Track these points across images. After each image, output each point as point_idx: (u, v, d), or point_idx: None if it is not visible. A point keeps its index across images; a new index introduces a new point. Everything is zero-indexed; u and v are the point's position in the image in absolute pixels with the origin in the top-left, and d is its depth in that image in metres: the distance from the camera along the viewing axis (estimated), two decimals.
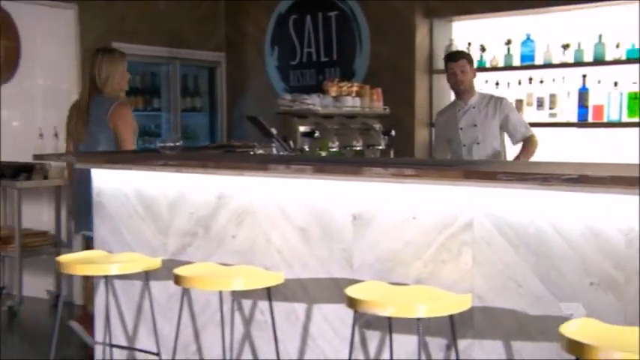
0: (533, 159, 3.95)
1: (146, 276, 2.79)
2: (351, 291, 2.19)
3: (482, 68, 4.79)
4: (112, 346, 3.02)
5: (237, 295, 2.76)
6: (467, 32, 5.08)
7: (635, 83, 4.40)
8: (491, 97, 4.10)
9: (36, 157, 3.28)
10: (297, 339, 2.66)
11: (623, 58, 4.48)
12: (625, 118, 4.46)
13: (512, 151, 4.07)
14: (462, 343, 2.28)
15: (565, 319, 2.01)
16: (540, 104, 4.75)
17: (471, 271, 2.29)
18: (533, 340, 2.18)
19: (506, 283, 2.23)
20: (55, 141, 4.81)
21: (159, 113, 5.82)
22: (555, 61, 4.72)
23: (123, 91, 3.77)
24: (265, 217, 2.72)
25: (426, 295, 2.21)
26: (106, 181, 3.13)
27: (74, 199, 3.79)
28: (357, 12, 5.34)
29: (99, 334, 3.11)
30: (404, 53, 5.10)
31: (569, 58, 4.67)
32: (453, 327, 2.19)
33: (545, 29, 4.78)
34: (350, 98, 4.21)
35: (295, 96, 4.02)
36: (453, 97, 5.28)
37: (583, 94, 4.61)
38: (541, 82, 4.78)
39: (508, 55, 4.90)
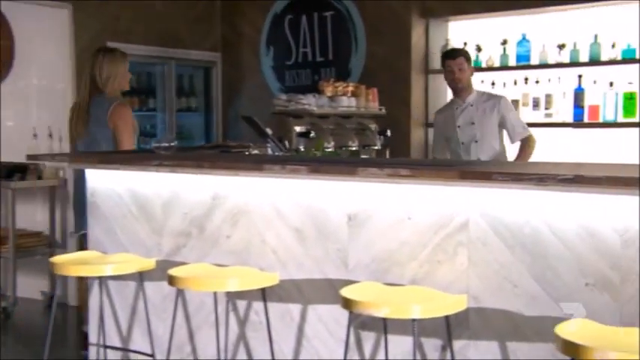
0: (530, 159, 3.95)
1: (140, 277, 2.77)
2: (346, 292, 2.19)
3: (478, 68, 4.77)
4: (105, 347, 3.00)
5: (232, 296, 2.75)
6: (463, 32, 5.08)
7: (630, 83, 4.40)
8: (490, 95, 4.08)
9: (29, 157, 3.26)
10: (292, 340, 2.65)
11: (619, 58, 4.48)
12: (620, 119, 4.46)
13: (511, 150, 4.06)
14: (457, 344, 2.27)
15: (561, 319, 2.01)
16: (536, 104, 4.75)
17: (467, 272, 2.29)
18: (529, 340, 2.17)
19: (502, 283, 2.22)
20: (49, 141, 4.79)
21: (154, 113, 5.80)
22: (551, 61, 4.72)
23: (120, 92, 3.76)
24: (260, 218, 2.71)
25: (421, 296, 2.20)
26: (100, 181, 3.11)
27: (74, 199, 3.78)
28: (352, 12, 5.34)
29: (93, 335, 3.09)
30: (400, 53, 5.09)
31: (565, 58, 4.67)
32: (449, 328, 2.18)
33: (541, 29, 4.78)
34: (345, 98, 4.20)
35: (291, 96, 4.01)
36: (449, 97, 5.29)
37: (579, 94, 4.61)
38: (537, 82, 4.78)
39: (504, 55, 4.90)
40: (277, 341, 2.63)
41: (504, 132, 4.01)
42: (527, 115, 4.69)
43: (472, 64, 4.05)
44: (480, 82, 4.76)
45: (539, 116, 4.72)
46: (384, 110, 4.46)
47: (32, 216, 4.94)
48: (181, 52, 5.65)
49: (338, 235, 2.53)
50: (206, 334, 2.86)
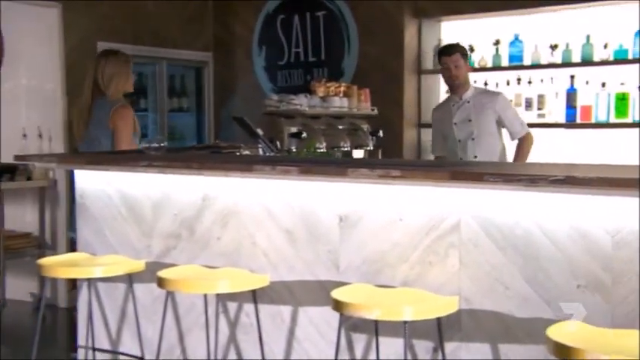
0: (528, 158, 3.91)
1: (130, 279, 2.75)
2: (337, 294, 2.17)
3: (470, 68, 4.76)
4: (94, 349, 2.97)
5: (223, 298, 2.72)
6: (455, 32, 5.07)
7: (623, 84, 4.41)
8: (487, 91, 4.05)
9: (17, 157, 3.22)
10: (282, 342, 2.63)
11: (611, 58, 4.48)
12: (613, 119, 4.47)
13: (511, 147, 4.00)
14: (449, 346, 2.26)
15: (553, 321, 2.00)
16: (529, 105, 4.74)
17: (458, 274, 2.27)
18: (520, 342, 2.16)
19: (493, 285, 2.21)
20: (38, 141, 4.76)
21: (145, 114, 5.76)
22: (543, 62, 4.71)
23: (123, 94, 3.76)
24: (251, 219, 2.69)
25: (412, 298, 2.19)
26: (89, 182, 3.09)
27: (71, 200, 3.77)
28: (345, 12, 5.32)
29: (81, 338, 3.06)
30: (392, 53, 5.08)
31: (558, 58, 4.67)
32: (440, 329, 2.16)
33: (534, 30, 4.78)
34: (337, 99, 4.18)
35: (282, 96, 3.99)
36: (442, 97, 5.30)
37: (571, 94, 4.61)
38: (529, 82, 4.77)
39: (496, 56, 4.89)
40: (268, 343, 2.61)
41: (504, 130, 3.95)
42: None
43: (469, 60, 3.99)
44: (472, 82, 4.75)
45: (531, 117, 4.71)
46: (376, 111, 4.44)
47: (21, 217, 4.91)
48: (173, 51, 5.62)
49: (329, 236, 2.51)
50: (196, 336, 2.83)
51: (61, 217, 4.84)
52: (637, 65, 4.35)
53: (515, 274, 2.17)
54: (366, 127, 4.17)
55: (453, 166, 2.34)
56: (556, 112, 4.68)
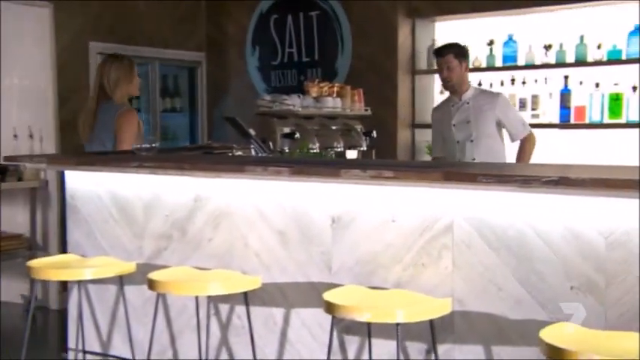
0: (531, 159, 3.81)
1: (120, 280, 2.72)
2: (329, 296, 2.15)
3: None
4: (85, 352, 2.94)
5: (214, 300, 2.70)
6: (449, 32, 5.06)
7: (616, 84, 4.40)
8: (487, 92, 3.93)
9: (7, 158, 3.19)
10: (275, 344, 2.61)
11: (605, 59, 4.48)
12: (607, 120, 4.46)
13: (512, 149, 3.90)
14: (442, 348, 2.25)
15: (546, 323, 1.99)
16: (523, 105, 4.74)
17: (451, 275, 2.26)
18: (514, 344, 2.15)
19: (487, 286, 2.20)
20: (30, 142, 4.72)
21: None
22: (537, 62, 4.71)
23: (129, 98, 3.82)
24: (243, 220, 2.67)
25: (405, 300, 2.17)
26: (79, 183, 3.06)
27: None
28: (338, 12, 5.30)
29: (72, 340, 3.03)
30: (386, 53, 5.06)
31: (551, 59, 4.67)
32: (433, 331, 2.15)
33: (528, 30, 4.77)
34: (331, 99, 4.16)
35: (275, 96, 3.97)
36: (436, 97, 5.29)
37: (565, 95, 4.60)
38: (523, 82, 4.77)
39: (490, 56, 4.89)
40: (260, 346, 2.59)
41: (504, 131, 3.86)
42: None
43: (466, 59, 3.86)
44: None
45: (525, 117, 4.68)
46: (369, 111, 4.42)
47: (12, 218, 4.86)
48: (165, 51, 5.58)
49: (321, 237, 2.50)
50: (188, 339, 2.81)
51: (52, 218, 4.80)
52: (631, 66, 4.35)
53: (508, 275, 2.15)
54: (359, 127, 4.15)
55: (446, 167, 2.33)
56: (550, 112, 4.68)
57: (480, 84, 4.86)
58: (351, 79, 4.98)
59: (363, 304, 2.10)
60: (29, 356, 2.66)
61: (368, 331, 2.35)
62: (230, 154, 3.43)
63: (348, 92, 4.32)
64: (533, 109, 4.71)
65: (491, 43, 4.87)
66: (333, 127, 4.09)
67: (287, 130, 3.75)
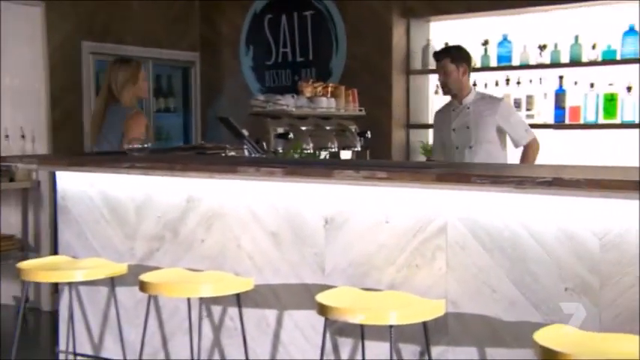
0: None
1: (112, 282, 2.70)
2: (322, 297, 2.13)
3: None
4: (75, 354, 2.92)
5: (207, 302, 2.68)
6: (444, 32, 5.05)
7: (611, 85, 4.40)
8: (489, 97, 3.82)
9: None
10: (267, 346, 2.59)
11: (599, 59, 4.47)
12: (601, 120, 4.46)
13: (515, 156, 3.80)
14: (435, 350, 2.23)
15: (540, 325, 1.97)
16: (517, 105, 4.72)
17: (445, 276, 2.24)
18: (508, 346, 2.14)
19: (481, 288, 2.18)
20: (21, 142, 4.68)
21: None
22: (532, 62, 4.70)
23: (137, 100, 3.91)
24: (235, 221, 2.65)
25: (398, 302, 2.15)
26: (70, 183, 3.03)
27: None
28: (333, 11, 5.28)
29: (62, 342, 3.01)
30: (381, 53, 5.05)
31: (546, 59, 4.66)
32: (427, 333, 2.13)
33: (522, 30, 4.76)
34: (325, 99, 4.14)
35: (268, 96, 3.94)
36: (430, 98, 5.28)
37: (560, 95, 4.59)
38: (518, 83, 4.76)
39: (485, 56, 4.87)
40: (253, 347, 2.57)
41: (507, 138, 3.69)
42: None
43: (465, 63, 3.74)
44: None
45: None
46: (364, 111, 4.40)
47: (4, 219, 4.82)
48: (159, 51, 5.55)
49: (314, 238, 2.48)
50: (180, 340, 2.79)
51: (44, 219, 4.77)
52: (625, 66, 4.35)
53: (502, 276, 2.14)
54: (353, 127, 4.13)
55: (440, 168, 2.31)
56: (545, 112, 4.67)
57: (474, 84, 4.85)
58: (345, 79, 4.96)
59: (357, 306, 2.09)
60: (20, 357, 2.63)
61: (361, 333, 2.33)
62: (223, 155, 3.40)
63: (343, 92, 4.30)
64: (527, 110, 4.70)
65: (485, 43, 4.86)
66: (327, 128, 4.07)
67: (281, 130, 3.73)
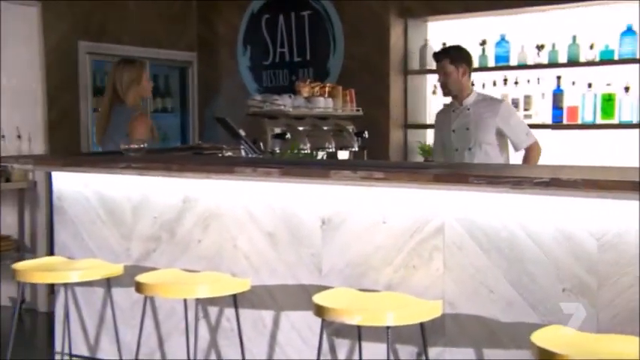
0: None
1: (108, 283, 2.68)
2: (319, 298, 2.12)
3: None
4: (71, 355, 2.90)
5: (203, 302, 2.67)
6: (442, 32, 5.04)
7: (609, 85, 4.39)
8: (490, 98, 3.76)
9: None
10: (264, 347, 2.58)
11: (597, 59, 4.47)
12: (599, 120, 4.45)
13: (516, 158, 3.74)
14: (432, 351, 2.22)
15: (537, 325, 1.96)
16: (515, 105, 4.71)
17: (443, 277, 2.23)
18: (505, 347, 2.13)
19: (478, 288, 2.17)
20: (18, 142, 4.66)
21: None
22: (530, 62, 4.69)
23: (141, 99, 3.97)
24: (232, 222, 2.64)
25: (395, 303, 2.14)
26: (66, 184, 3.02)
27: None
28: (330, 11, 5.27)
29: (58, 344, 2.99)
30: (378, 53, 5.04)
31: (544, 59, 4.65)
32: (424, 334, 2.12)
33: (520, 30, 4.75)
34: (322, 99, 4.12)
35: (265, 96, 3.93)
36: (428, 98, 5.27)
37: (557, 95, 4.59)
38: (516, 83, 4.75)
39: (483, 56, 4.87)
40: (249, 348, 2.56)
41: (508, 140, 3.63)
42: None
43: (465, 64, 3.69)
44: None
45: None
46: (361, 111, 4.38)
47: (1, 219, 4.81)
48: (156, 51, 5.54)
49: (311, 239, 2.47)
50: (176, 342, 2.78)
51: (40, 220, 4.75)
52: (623, 66, 4.34)
53: (499, 277, 2.13)
54: (351, 127, 4.12)
55: (437, 168, 2.30)
56: (542, 112, 4.66)
57: (472, 84, 4.84)
58: (343, 80, 4.95)
59: (354, 307, 2.08)
60: (16, 358, 2.62)
61: (358, 334, 2.32)
62: (220, 155, 3.39)
63: (340, 92, 4.29)
64: (525, 110, 4.70)
65: (483, 43, 4.86)
66: (325, 128, 4.05)
67: (278, 130, 3.72)
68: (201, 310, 2.69)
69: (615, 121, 4.40)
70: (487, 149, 3.59)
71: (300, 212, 2.49)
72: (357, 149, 4.06)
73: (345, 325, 2.29)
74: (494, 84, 4.82)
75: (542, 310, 2.06)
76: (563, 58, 4.58)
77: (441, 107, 4.03)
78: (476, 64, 4.86)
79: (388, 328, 2.01)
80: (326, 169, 2.30)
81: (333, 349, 2.45)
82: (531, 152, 3.60)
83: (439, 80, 3.78)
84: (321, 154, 3.85)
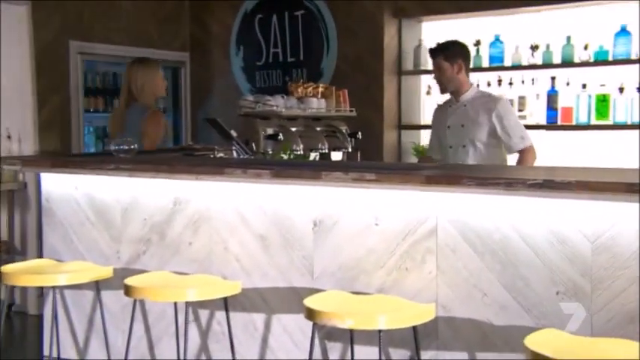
0: None
1: (97, 286, 2.65)
2: (310, 301, 2.09)
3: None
4: (60, 359, 2.86)
5: (193, 306, 2.64)
6: (436, 33, 5.02)
7: (603, 85, 4.38)
8: (488, 95, 3.64)
9: None
10: (255, 351, 2.55)
11: (592, 60, 4.45)
12: (594, 121, 4.44)
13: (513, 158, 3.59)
14: (425, 354, 2.20)
15: (531, 329, 1.94)
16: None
17: (435, 280, 2.21)
18: (498, 350, 2.10)
19: (471, 291, 2.15)
20: (8, 143, 4.61)
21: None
22: (524, 63, 4.68)
23: (156, 98, 3.97)
24: (223, 224, 2.60)
25: (387, 306, 2.12)
26: (55, 185, 2.98)
27: None
28: (324, 11, 5.24)
29: (47, 347, 2.95)
30: (372, 54, 5.01)
31: (538, 59, 4.63)
32: (417, 338, 2.09)
33: (514, 30, 4.74)
34: (315, 100, 4.09)
35: (258, 97, 3.90)
36: (422, 98, 5.24)
37: (552, 96, 4.57)
38: (510, 83, 4.73)
39: (477, 56, 4.84)
40: (240, 352, 2.53)
41: (501, 140, 3.46)
42: None
43: (460, 60, 3.58)
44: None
45: None
46: (354, 112, 4.35)
47: None
48: (149, 51, 5.48)
49: (303, 241, 2.44)
50: (167, 345, 2.75)
51: (31, 222, 4.71)
52: (617, 66, 4.33)
53: (493, 280, 2.11)
54: (344, 128, 4.09)
55: (430, 170, 2.27)
56: (537, 113, 4.64)
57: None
58: (336, 80, 4.92)
59: (345, 310, 2.05)
60: None
61: (350, 337, 2.29)
62: (211, 156, 3.36)
63: (333, 93, 4.26)
64: (520, 110, 4.67)
65: (477, 43, 4.83)
66: (318, 129, 4.02)
67: (270, 131, 3.68)
68: (191, 314, 2.66)
69: (610, 121, 4.38)
70: (482, 147, 3.48)
71: (291, 214, 2.46)
72: (350, 150, 4.03)
73: (337, 329, 2.26)
74: (489, 84, 4.79)
75: (535, 313, 2.04)
76: (557, 59, 4.57)
77: (438, 104, 3.93)
78: (470, 64, 4.84)
79: (380, 331, 1.98)
80: (317, 170, 2.27)
81: (325, 353, 2.42)
82: (525, 155, 3.45)
83: (434, 77, 3.73)
84: (314, 155, 3.81)
